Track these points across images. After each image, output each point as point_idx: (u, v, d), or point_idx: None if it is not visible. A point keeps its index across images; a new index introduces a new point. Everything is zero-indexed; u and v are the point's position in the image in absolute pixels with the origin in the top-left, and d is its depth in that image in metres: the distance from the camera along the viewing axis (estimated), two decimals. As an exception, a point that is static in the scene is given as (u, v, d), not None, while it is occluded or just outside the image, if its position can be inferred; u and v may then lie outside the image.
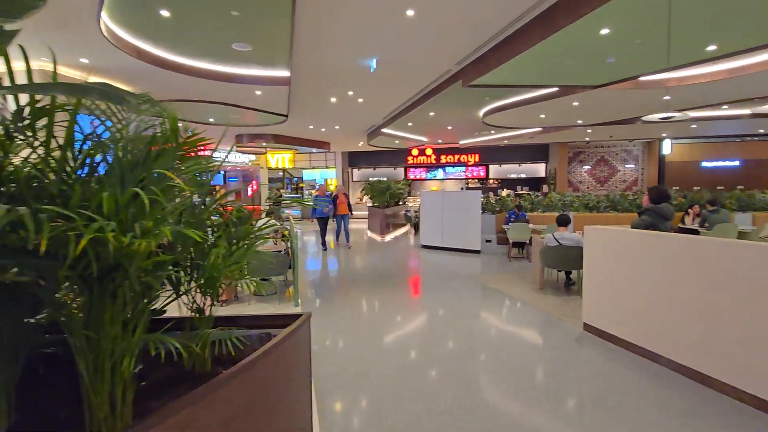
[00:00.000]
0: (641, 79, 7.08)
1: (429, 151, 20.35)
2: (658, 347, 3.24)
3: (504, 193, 18.43)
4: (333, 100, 9.27)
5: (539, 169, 19.81)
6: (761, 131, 15.19)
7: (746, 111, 11.13)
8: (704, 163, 16.88)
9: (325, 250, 9.72)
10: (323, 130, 13.85)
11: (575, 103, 9.04)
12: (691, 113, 10.33)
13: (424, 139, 16.17)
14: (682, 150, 17.07)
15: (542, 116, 10.55)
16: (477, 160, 20.38)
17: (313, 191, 21.39)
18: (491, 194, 14.58)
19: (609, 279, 3.79)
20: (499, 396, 3.00)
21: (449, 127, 13.24)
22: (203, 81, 6.94)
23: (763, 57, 6.58)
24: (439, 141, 17.29)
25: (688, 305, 3.02)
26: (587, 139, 16.03)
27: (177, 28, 5.27)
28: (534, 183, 19.96)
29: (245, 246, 1.63)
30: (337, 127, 13.36)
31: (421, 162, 21.12)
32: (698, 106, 9.42)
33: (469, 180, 21.06)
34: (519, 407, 2.83)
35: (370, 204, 14.37)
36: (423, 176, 21.65)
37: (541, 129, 13.55)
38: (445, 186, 21.42)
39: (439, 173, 21.40)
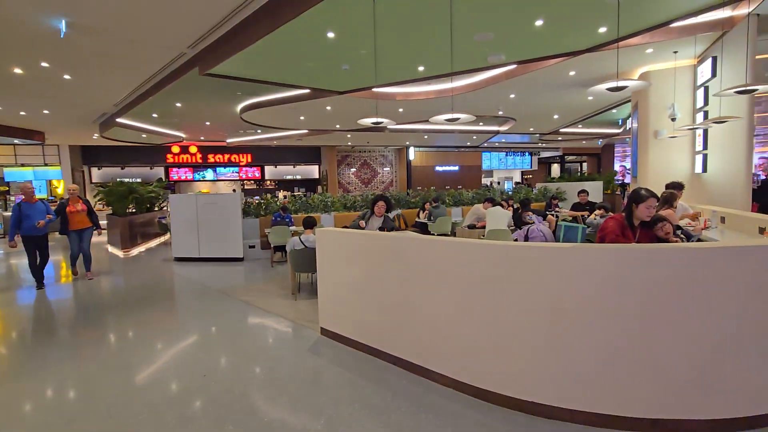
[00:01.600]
0: (375, 90, 7.88)
1: (194, 149, 18.10)
2: (381, 344, 3.36)
3: (281, 194, 18.22)
4: (17, 71, 6.71)
5: (313, 171, 20.51)
6: (468, 144, 20.11)
7: (458, 127, 14.29)
8: (437, 168, 21.15)
9: (41, 288, 6.34)
10: (23, 113, 10.17)
11: (328, 108, 9.46)
12: (416, 125, 12.47)
13: (182, 134, 14.16)
14: (422, 156, 20.86)
15: (302, 118, 10.68)
16: (249, 160, 19.41)
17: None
18: (268, 196, 14.04)
19: (335, 280, 3.79)
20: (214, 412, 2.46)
21: (207, 123, 11.91)
22: None
23: (460, 83, 8.35)
24: (202, 138, 15.52)
25: (394, 301, 3.21)
26: (350, 143, 17.50)
27: None
28: (310, 184, 20.53)
29: None
30: (46, 112, 10.03)
31: (185, 161, 18.60)
32: (421, 120, 11.40)
33: (245, 181, 19.91)
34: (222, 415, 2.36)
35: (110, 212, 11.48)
36: (189, 177, 19.14)
37: (307, 131, 13.86)
38: (218, 188, 19.56)
39: (209, 174, 19.37)
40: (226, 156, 18.95)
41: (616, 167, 21.07)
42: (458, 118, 4.87)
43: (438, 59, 6.15)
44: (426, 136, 15.64)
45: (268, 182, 20.52)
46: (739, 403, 2.18)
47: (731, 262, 2.12)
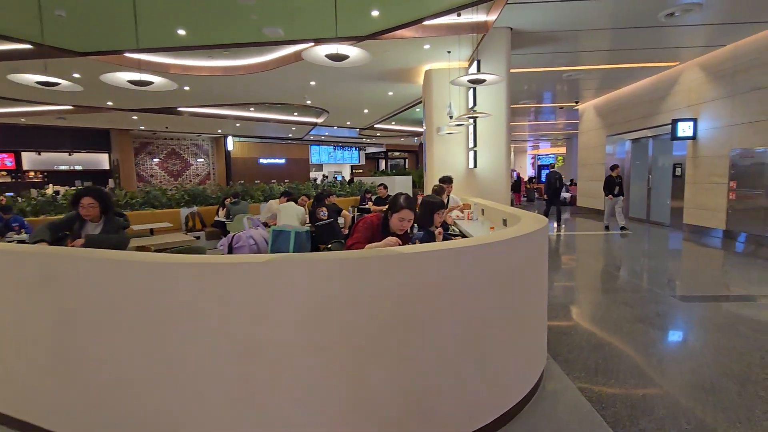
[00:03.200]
0: (129, 56, 6.22)
1: None
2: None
3: (50, 190, 13.92)
4: None
5: (101, 160, 16.50)
6: (291, 135, 19.27)
7: (273, 116, 13.24)
8: (262, 160, 19.64)
9: None
10: None
11: (76, 75, 7.21)
12: (221, 110, 10.88)
13: None
14: (243, 147, 19.04)
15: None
16: (-8, 143, 14.35)
17: None
18: (33, 191, 10.25)
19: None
20: None
21: None
22: None
23: (248, 60, 7.32)
24: None
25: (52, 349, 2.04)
26: (142, 127, 14.54)
27: None
28: (98, 177, 16.42)
29: None
30: None
31: None
32: (232, 104, 9.97)
33: (-11, 172, 14.62)
34: None
35: None
36: None
37: (72, 107, 10.73)
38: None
39: None
40: (-52, 136, 13.54)
41: (431, 164, 23.34)
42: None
43: (203, 23, 5.03)
44: (238, 124, 14.09)
45: (31, 173, 15.61)
46: (460, 420, 1.89)
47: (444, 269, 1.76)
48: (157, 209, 8.79)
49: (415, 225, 3.38)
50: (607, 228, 9.26)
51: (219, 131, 16.25)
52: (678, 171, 8.99)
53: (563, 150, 22.25)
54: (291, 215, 6.17)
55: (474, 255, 1.91)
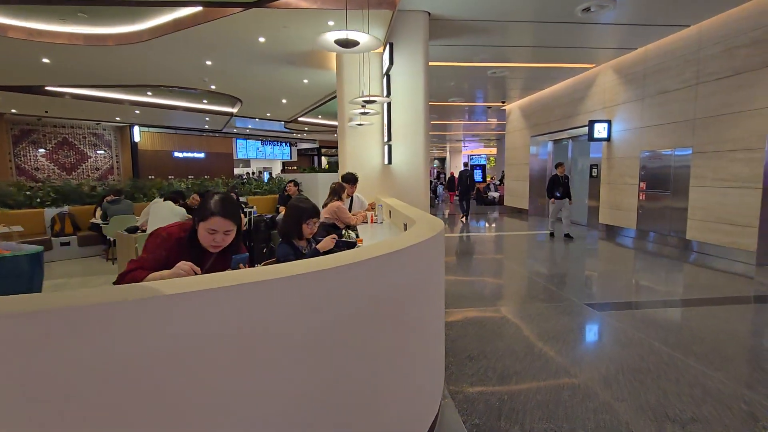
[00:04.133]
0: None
1: None
2: None
3: None
4: None
5: (-33, 149, 13.74)
6: (207, 127, 17.61)
7: (178, 103, 11.73)
8: (177, 154, 17.71)
9: None
10: None
11: None
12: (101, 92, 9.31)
13: None
14: (153, 139, 17.01)
15: None
16: None
17: None
18: None
19: None
20: None
21: None
22: None
23: (117, 30, 6.05)
24: None
25: None
26: (13, 110, 12.26)
27: None
28: (-38, 169, 13.67)
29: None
30: None
31: None
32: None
33: None
34: None
35: None
36: None
37: None
38: None
39: None
40: None
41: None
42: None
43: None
44: (137, 111, 12.35)
45: None
46: None
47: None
48: (14, 209, 7.16)
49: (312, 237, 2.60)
50: (552, 236, 8.00)
51: (117, 119, 14.24)
52: (594, 172, 9.08)
53: (495, 150, 22.73)
54: (163, 216, 5.07)
55: (314, 285, 1.18)
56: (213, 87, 9.08)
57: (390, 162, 6.32)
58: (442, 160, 33.74)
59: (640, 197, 7.62)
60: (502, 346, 3.03)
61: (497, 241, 8.41)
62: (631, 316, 3.71)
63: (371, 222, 4.61)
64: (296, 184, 7.66)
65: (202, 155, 18.35)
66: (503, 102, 12.55)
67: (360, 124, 6.08)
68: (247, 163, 21.94)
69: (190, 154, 17.93)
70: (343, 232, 4.05)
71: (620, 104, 8.13)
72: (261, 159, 22.20)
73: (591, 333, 3.44)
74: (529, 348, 2.99)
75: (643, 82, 7.49)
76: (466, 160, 26.50)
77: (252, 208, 7.00)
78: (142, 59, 6.87)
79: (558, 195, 7.83)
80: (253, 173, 20.70)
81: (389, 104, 6.18)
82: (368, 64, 6.03)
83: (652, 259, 6.24)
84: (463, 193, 11.24)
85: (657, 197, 7.24)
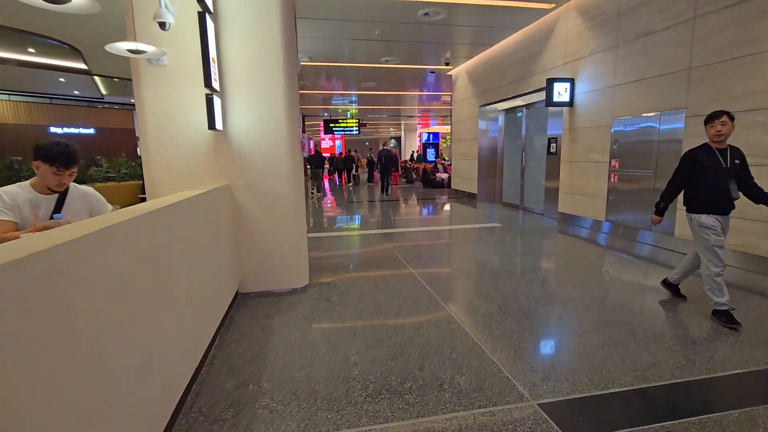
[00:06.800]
0: None
1: None
2: None
3: None
4: None
5: None
6: (114, 100, 14.30)
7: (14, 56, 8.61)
8: (54, 129, 14.21)
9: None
10: None
11: None
12: None
13: None
14: (17, 109, 13.45)
15: None
16: None
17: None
18: None
19: None
20: None
21: None
22: None
23: None
24: None
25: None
26: None
27: None
28: None
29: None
30: None
31: None
32: None
33: None
34: None
35: None
36: None
37: None
38: None
39: None
40: None
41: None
42: None
43: None
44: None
45: None
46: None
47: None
48: None
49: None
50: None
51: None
52: (553, 147, 7.19)
53: (450, 129, 20.77)
54: None
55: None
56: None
57: (214, 126, 3.59)
58: (399, 139, 31.70)
59: (612, 179, 5.79)
60: None
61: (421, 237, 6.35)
62: None
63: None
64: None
65: (91, 131, 14.93)
66: (447, 64, 10.40)
67: (158, 61, 3.50)
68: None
69: (73, 130, 14.46)
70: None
71: (586, 56, 6.18)
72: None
73: None
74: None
75: (617, 22, 5.55)
76: (424, 140, 24.41)
77: None
78: None
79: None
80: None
81: (202, 19, 3.60)
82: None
83: (624, 265, 4.39)
84: (382, 172, 12.56)
85: (634, 179, 5.42)
